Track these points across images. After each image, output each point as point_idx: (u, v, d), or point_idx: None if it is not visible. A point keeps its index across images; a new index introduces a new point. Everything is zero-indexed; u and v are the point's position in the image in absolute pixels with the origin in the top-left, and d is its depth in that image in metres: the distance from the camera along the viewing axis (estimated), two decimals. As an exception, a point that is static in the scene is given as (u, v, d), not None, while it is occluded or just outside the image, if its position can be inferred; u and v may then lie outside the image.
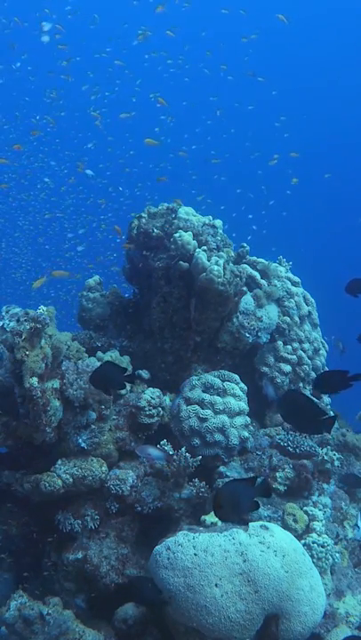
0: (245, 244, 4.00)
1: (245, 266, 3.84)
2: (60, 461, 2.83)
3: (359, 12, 15.13)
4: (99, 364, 2.88)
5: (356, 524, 2.18)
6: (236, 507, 1.99)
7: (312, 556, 2.71)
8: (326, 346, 4.08)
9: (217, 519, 2.70)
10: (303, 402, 2.32)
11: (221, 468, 3.03)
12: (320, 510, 3.01)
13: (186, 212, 3.69)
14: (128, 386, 3.20)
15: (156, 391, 3.23)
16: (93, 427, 2.88)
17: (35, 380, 2.60)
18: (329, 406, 3.88)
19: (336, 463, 3.29)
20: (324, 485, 3.27)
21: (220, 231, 3.69)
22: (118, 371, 2.67)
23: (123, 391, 3.25)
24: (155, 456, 2.84)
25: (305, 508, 3.02)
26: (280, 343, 3.77)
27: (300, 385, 3.80)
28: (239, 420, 3.10)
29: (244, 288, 3.62)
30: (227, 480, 2.91)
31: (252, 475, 3.01)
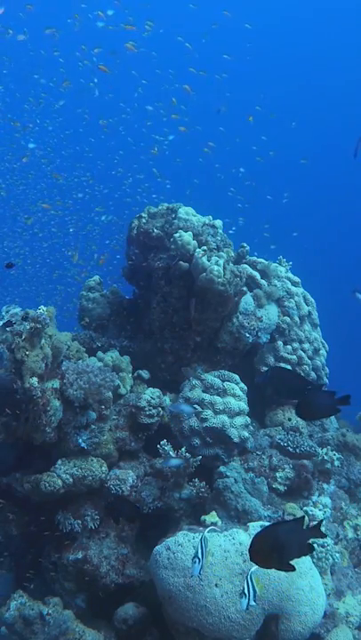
0: (245, 244, 4.00)
1: (245, 266, 3.84)
2: (60, 461, 2.83)
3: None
4: (100, 364, 2.87)
5: (244, 592, 1.84)
6: (280, 552, 1.64)
7: (312, 557, 2.71)
8: (326, 346, 4.08)
9: (217, 519, 2.70)
10: (287, 373, 2.49)
11: (221, 468, 3.03)
12: (320, 510, 3.01)
13: (186, 211, 3.68)
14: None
15: (156, 391, 3.23)
16: (93, 427, 2.88)
17: (35, 380, 2.60)
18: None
19: (336, 463, 3.29)
20: (325, 485, 3.27)
21: (220, 231, 3.69)
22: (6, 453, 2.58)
23: (123, 390, 3.26)
24: (186, 411, 2.92)
25: (305, 508, 3.02)
26: (280, 343, 3.77)
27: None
28: (239, 420, 3.10)
29: (245, 288, 3.62)
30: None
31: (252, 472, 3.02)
